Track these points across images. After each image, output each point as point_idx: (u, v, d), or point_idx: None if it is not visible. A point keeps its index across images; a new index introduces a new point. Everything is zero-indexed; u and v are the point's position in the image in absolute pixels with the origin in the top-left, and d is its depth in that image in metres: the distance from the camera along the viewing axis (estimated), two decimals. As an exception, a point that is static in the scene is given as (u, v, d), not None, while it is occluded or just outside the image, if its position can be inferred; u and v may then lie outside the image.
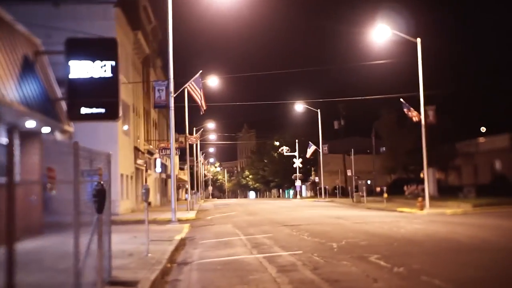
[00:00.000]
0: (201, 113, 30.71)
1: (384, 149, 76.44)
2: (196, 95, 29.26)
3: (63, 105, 19.16)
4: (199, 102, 29.30)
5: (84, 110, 13.88)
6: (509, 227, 19.98)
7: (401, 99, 38.87)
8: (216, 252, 15.63)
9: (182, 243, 18.62)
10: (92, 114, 14.09)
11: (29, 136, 19.15)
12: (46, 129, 19.62)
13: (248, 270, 11.75)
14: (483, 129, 63.94)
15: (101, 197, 8.35)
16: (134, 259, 13.51)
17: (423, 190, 52.81)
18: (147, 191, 14.28)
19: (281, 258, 13.50)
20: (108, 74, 13.36)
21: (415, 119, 37.60)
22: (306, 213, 34.99)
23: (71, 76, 13.10)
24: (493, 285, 8.95)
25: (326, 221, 26.16)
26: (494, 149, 58.33)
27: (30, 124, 18.00)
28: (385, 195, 48.52)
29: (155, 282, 10.46)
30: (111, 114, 13.95)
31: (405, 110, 38.30)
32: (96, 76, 13.23)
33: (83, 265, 8.40)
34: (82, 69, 13.01)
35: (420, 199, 35.38)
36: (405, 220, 25.21)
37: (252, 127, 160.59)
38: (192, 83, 29.22)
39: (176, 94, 29.90)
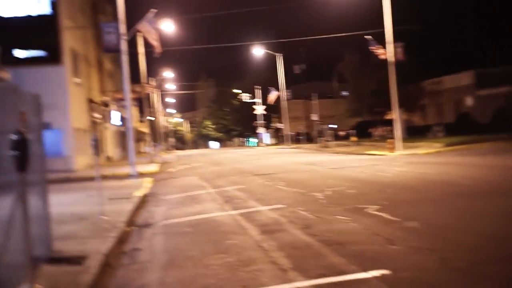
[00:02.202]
0: (156, 56, 28.01)
1: (346, 93, 74.79)
2: (150, 35, 26.51)
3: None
4: (154, 43, 26.60)
5: (19, 53, 11.27)
6: (498, 165, 18.35)
7: (366, 36, 36.82)
8: (182, 209, 13.48)
9: (143, 201, 16.44)
10: (31, 58, 11.37)
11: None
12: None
13: (224, 232, 9.65)
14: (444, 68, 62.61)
15: (22, 150, 6.04)
16: (86, 223, 11.29)
17: (390, 131, 51.66)
18: (96, 142, 11.92)
19: (260, 214, 11.42)
20: (47, 10, 10.82)
21: (382, 56, 35.59)
22: (274, 161, 33.07)
23: (2, 13, 10.54)
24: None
25: (299, 168, 24.24)
26: (458, 87, 57.26)
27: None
28: (353, 138, 47.14)
29: (109, 255, 8.28)
30: (53, 58, 11.30)
31: (371, 47, 36.22)
32: (33, 13, 10.67)
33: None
34: (16, 5, 10.46)
35: (390, 141, 33.87)
36: (383, 163, 23.47)
37: (211, 76, 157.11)
38: (145, 22, 26.41)
39: (129, 38, 27.16)
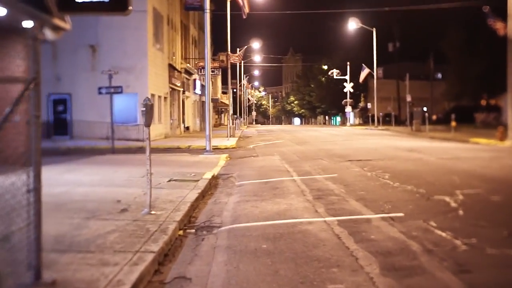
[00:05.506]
0: (244, 17, 24.71)
1: (440, 75, 69.34)
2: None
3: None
4: (241, 3, 23.28)
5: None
6: None
7: (484, 8, 32.19)
8: (259, 205, 10.08)
9: (212, 185, 13.25)
10: (91, 3, 8.13)
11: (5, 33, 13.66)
12: (27, 23, 13.93)
13: (321, 261, 6.14)
14: None
15: None
16: (125, 220, 8.11)
17: (495, 118, 46.38)
18: (147, 108, 8.66)
19: (372, 228, 7.79)
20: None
21: (501, 31, 30.89)
22: (366, 143, 29.10)
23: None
24: None
25: (401, 155, 20.30)
26: None
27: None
28: (453, 123, 42.47)
29: (131, 296, 5.01)
30: (117, 4, 7.97)
31: (489, 20, 31.61)
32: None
33: None
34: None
35: (500, 128, 29.43)
36: (506, 155, 19.28)
37: (298, 51, 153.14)
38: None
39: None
